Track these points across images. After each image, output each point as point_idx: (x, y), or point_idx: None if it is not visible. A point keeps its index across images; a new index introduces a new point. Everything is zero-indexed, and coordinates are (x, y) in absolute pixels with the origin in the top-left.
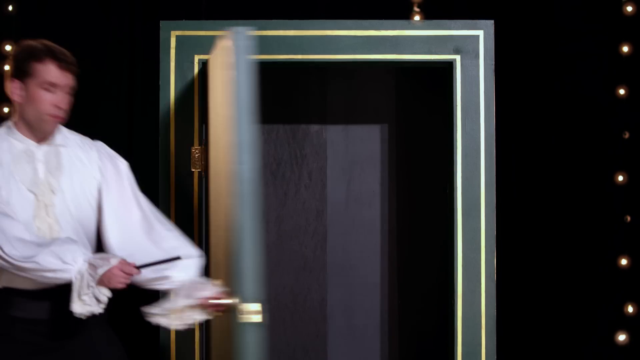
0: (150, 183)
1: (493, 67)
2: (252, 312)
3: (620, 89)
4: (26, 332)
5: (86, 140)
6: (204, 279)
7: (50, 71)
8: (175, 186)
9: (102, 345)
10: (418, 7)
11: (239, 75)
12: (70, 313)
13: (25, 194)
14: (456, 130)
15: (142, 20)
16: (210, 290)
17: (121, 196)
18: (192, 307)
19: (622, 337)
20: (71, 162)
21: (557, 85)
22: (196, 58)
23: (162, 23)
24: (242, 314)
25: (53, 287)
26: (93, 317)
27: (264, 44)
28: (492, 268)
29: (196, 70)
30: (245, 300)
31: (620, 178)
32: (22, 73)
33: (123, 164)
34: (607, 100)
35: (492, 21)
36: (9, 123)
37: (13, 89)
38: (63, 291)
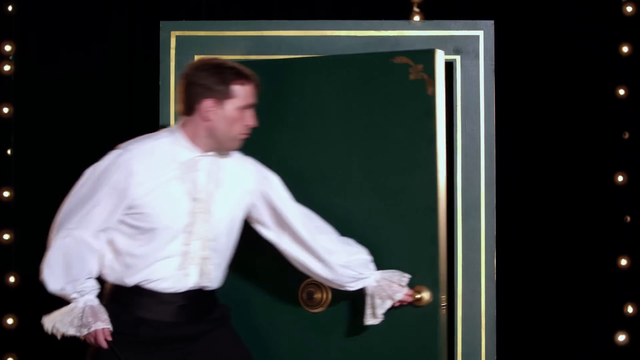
0: None
1: (493, 67)
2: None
3: (620, 89)
4: (151, 332)
5: (237, 154)
6: (395, 275)
7: (250, 94)
8: None
9: (226, 345)
10: (418, 7)
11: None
12: (196, 315)
13: (184, 202)
14: (456, 130)
15: (142, 21)
16: (406, 289)
17: (284, 206)
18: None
19: (622, 338)
20: (229, 173)
21: (557, 85)
22: (196, 58)
23: (162, 23)
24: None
25: (184, 290)
26: (219, 318)
27: (263, 45)
28: (492, 268)
29: None
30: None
31: (620, 178)
32: (219, 93)
33: (276, 178)
34: (607, 100)
35: (492, 21)
36: (175, 131)
37: (208, 107)
38: (192, 294)
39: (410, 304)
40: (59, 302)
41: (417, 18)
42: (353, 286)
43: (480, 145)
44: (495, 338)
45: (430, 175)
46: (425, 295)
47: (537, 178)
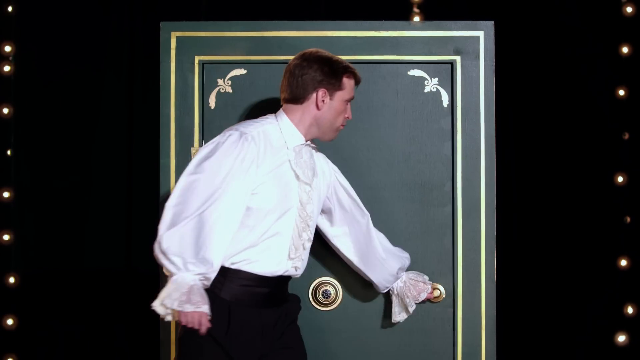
0: (151, 185)
1: (493, 68)
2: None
3: (620, 89)
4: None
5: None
6: (420, 276)
7: (353, 88)
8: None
9: (299, 339)
10: (418, 7)
11: None
12: (281, 300)
13: (295, 186)
14: (456, 131)
15: (142, 21)
16: (429, 287)
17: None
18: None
19: (621, 338)
20: (318, 164)
21: (557, 86)
22: (196, 59)
23: (162, 24)
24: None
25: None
26: (297, 308)
27: (263, 45)
28: (492, 269)
29: (196, 70)
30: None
31: (620, 179)
32: (332, 85)
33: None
34: (607, 101)
35: (493, 22)
36: (281, 117)
37: (322, 96)
38: (284, 280)
39: (427, 300)
40: (59, 302)
41: (417, 19)
42: (388, 287)
43: (480, 145)
44: (495, 338)
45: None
46: (442, 291)
47: (537, 178)
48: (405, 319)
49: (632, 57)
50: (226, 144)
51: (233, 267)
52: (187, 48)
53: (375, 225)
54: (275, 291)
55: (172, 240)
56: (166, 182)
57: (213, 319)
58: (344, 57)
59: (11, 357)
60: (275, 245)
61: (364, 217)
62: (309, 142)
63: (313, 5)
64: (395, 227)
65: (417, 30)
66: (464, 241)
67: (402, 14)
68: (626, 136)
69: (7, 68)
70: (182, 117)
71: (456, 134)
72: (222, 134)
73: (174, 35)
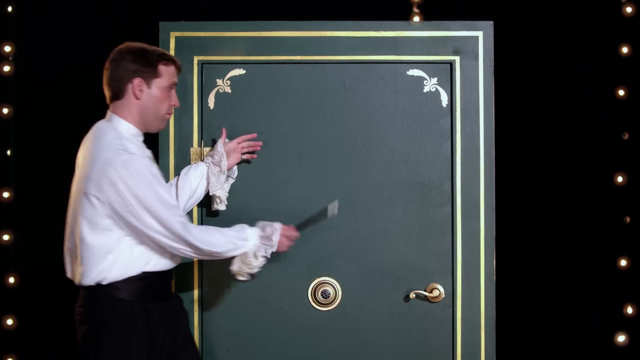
0: None
1: (492, 68)
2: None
3: (619, 89)
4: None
5: None
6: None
7: (173, 74)
8: None
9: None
10: (417, 8)
11: None
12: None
13: None
14: (455, 131)
15: (142, 21)
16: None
17: None
18: None
19: (621, 338)
20: None
21: (557, 86)
22: (195, 59)
23: (162, 24)
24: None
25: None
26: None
27: (263, 45)
28: (492, 269)
29: (195, 71)
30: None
31: (620, 179)
32: (147, 73)
33: None
34: (606, 101)
35: (492, 22)
36: (118, 124)
37: (137, 85)
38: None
39: (425, 299)
40: (59, 302)
41: (416, 19)
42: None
43: (479, 145)
44: (494, 339)
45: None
46: (441, 291)
47: (536, 179)
48: (406, 319)
49: (632, 57)
50: (137, 167)
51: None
52: (186, 48)
53: (375, 225)
54: (167, 285)
55: (209, 242)
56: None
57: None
58: (343, 57)
59: (11, 357)
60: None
61: None
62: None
63: (312, 6)
64: (395, 227)
65: (416, 30)
66: (463, 241)
67: (401, 14)
68: (626, 136)
69: (7, 68)
70: (181, 117)
71: (455, 133)
72: (117, 163)
73: (173, 36)
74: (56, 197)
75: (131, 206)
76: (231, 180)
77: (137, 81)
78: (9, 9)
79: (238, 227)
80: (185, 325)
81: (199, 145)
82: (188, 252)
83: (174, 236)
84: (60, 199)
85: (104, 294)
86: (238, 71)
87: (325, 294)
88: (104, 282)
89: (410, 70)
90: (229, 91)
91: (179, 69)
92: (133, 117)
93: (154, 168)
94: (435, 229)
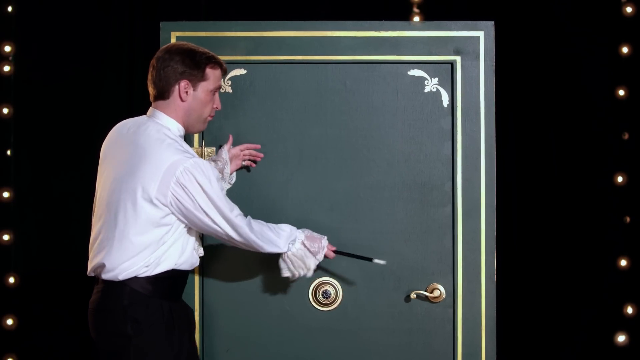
0: None
1: (493, 68)
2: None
3: (619, 89)
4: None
5: None
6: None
7: (219, 78)
8: None
9: None
10: (418, 8)
11: None
12: None
13: None
14: (456, 131)
15: (142, 21)
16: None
17: None
18: None
19: (621, 338)
20: None
21: (557, 86)
22: None
23: (162, 24)
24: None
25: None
26: None
27: (263, 45)
28: (492, 269)
29: None
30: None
31: (620, 179)
32: (194, 76)
33: None
34: (606, 101)
35: (493, 22)
36: (157, 115)
37: (184, 87)
38: None
39: (426, 299)
40: (59, 302)
41: (417, 19)
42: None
43: (480, 145)
44: (495, 338)
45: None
46: (442, 291)
47: (537, 178)
48: (406, 319)
49: (632, 57)
50: (205, 169)
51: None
52: None
53: (376, 225)
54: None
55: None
56: None
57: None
58: (344, 57)
59: (11, 357)
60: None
61: None
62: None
63: (313, 6)
64: (395, 227)
65: (417, 30)
66: (464, 241)
67: (402, 14)
68: (626, 136)
69: (7, 68)
70: None
71: (456, 133)
72: (188, 166)
73: (173, 35)
74: (56, 197)
75: (203, 206)
76: (228, 186)
77: (183, 83)
78: (9, 9)
79: (287, 231)
80: (194, 328)
81: (200, 145)
82: (245, 246)
83: (240, 234)
84: (61, 199)
85: (134, 290)
86: (239, 71)
87: (326, 294)
88: (140, 276)
89: (411, 70)
90: (230, 91)
91: (224, 72)
92: (177, 118)
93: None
94: (436, 229)
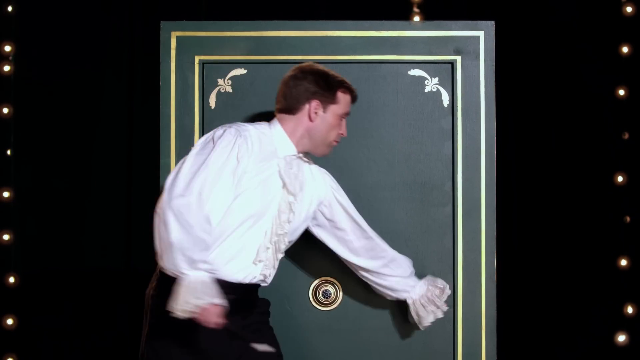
0: (151, 185)
1: (494, 68)
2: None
3: (620, 89)
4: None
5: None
6: (438, 283)
7: (348, 104)
8: None
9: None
10: (418, 7)
11: None
12: (248, 309)
13: (279, 195)
14: (456, 131)
15: (142, 21)
16: (445, 294)
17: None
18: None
19: (621, 338)
20: (308, 178)
21: (558, 86)
22: (197, 59)
23: (163, 24)
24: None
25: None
26: (264, 312)
27: (264, 45)
28: (493, 269)
29: (197, 70)
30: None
31: (620, 179)
32: (325, 97)
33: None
34: (606, 100)
35: (493, 22)
36: (275, 126)
37: (315, 107)
38: (252, 288)
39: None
40: (59, 302)
41: (417, 18)
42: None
43: (480, 145)
44: (495, 338)
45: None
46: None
47: (537, 178)
48: (405, 320)
49: (632, 57)
50: (225, 139)
51: None
52: (187, 48)
53: (376, 225)
54: (242, 299)
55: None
56: None
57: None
58: (344, 57)
59: (11, 357)
60: (243, 251)
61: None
62: (301, 155)
63: (313, 5)
64: (395, 227)
65: (417, 30)
66: (464, 241)
67: (402, 14)
68: (626, 136)
69: (7, 68)
70: (182, 117)
71: (456, 133)
72: (219, 129)
73: (174, 35)
74: (56, 197)
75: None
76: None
77: (314, 103)
78: (9, 8)
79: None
80: None
81: None
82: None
83: (161, 206)
84: (61, 199)
85: None
86: (239, 71)
87: (326, 294)
88: None
89: (412, 70)
90: (230, 91)
91: (354, 100)
92: (295, 134)
93: (243, 162)
94: (436, 229)
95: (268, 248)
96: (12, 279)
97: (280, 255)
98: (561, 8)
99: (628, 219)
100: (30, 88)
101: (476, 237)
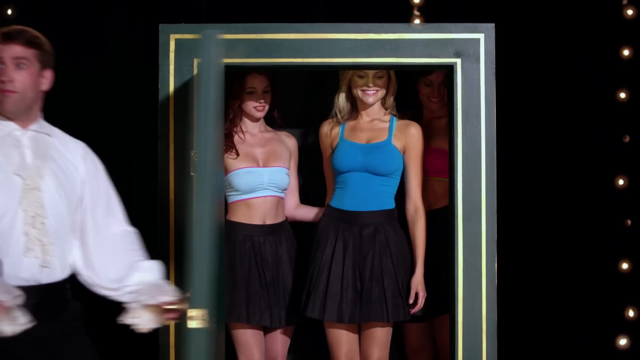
0: (149, 187)
1: (494, 70)
2: (197, 318)
3: (620, 92)
4: None
5: (70, 137)
6: (165, 282)
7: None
8: (174, 190)
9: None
10: (418, 10)
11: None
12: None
13: (10, 178)
14: (457, 133)
15: (142, 23)
16: (170, 295)
17: (100, 203)
18: (154, 309)
19: (623, 342)
20: (57, 151)
21: (558, 89)
22: (195, 61)
23: (162, 26)
24: (190, 319)
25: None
26: (74, 319)
27: (264, 48)
28: (493, 272)
29: (195, 73)
30: (192, 305)
31: (621, 182)
32: None
33: (102, 170)
34: (607, 103)
35: (493, 24)
36: None
37: None
38: (40, 290)
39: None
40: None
41: (417, 21)
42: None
43: (481, 148)
44: (496, 342)
45: None
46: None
47: (538, 182)
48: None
49: (633, 59)
50: None
51: None
52: (186, 50)
53: None
54: (42, 302)
55: None
56: (165, 186)
57: None
58: (344, 60)
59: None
60: (16, 247)
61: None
62: (34, 127)
63: (313, 8)
64: None
65: (417, 32)
66: (464, 244)
67: (402, 17)
68: (627, 139)
69: None
70: (182, 120)
71: (457, 136)
72: None
73: (173, 38)
74: None
75: None
76: None
77: None
78: (9, 11)
79: None
80: None
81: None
82: None
83: None
84: None
85: None
86: None
87: None
88: None
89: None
90: None
91: (4, 39)
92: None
93: None
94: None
95: (32, 239)
96: None
97: (49, 240)
98: (562, 10)
99: (629, 222)
100: None
101: (476, 241)
